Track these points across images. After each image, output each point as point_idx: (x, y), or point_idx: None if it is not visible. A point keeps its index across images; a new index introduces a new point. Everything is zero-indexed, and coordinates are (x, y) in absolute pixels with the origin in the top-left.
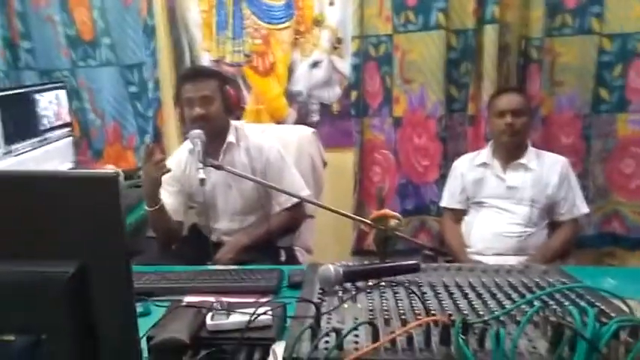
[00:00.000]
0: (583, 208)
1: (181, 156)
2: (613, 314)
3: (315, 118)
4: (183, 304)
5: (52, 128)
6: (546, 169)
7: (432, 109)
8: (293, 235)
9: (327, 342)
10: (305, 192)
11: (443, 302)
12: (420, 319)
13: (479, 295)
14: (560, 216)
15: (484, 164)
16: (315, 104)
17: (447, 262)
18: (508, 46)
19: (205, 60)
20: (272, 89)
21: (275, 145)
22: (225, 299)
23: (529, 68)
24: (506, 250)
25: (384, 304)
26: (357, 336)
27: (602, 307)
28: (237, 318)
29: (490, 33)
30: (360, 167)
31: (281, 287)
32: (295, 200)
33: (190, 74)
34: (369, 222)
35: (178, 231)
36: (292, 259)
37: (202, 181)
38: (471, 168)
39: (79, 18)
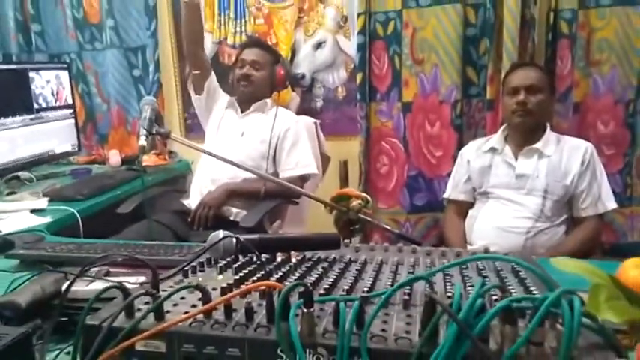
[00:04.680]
0: (609, 204)
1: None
2: (516, 292)
3: (319, 103)
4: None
5: (50, 108)
6: (566, 155)
7: (446, 93)
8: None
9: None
10: (312, 170)
11: (335, 281)
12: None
13: (393, 272)
14: (581, 211)
15: (493, 150)
16: (320, 88)
17: None
18: (533, 19)
19: (207, 42)
20: None
21: (303, 123)
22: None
23: (559, 45)
24: (511, 249)
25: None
26: (194, 306)
27: (510, 284)
28: (93, 286)
29: (511, 5)
30: (366, 157)
31: None
32: (298, 174)
33: (252, 42)
34: (327, 202)
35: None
36: None
37: (142, 149)
38: (478, 154)
39: (87, 0)
